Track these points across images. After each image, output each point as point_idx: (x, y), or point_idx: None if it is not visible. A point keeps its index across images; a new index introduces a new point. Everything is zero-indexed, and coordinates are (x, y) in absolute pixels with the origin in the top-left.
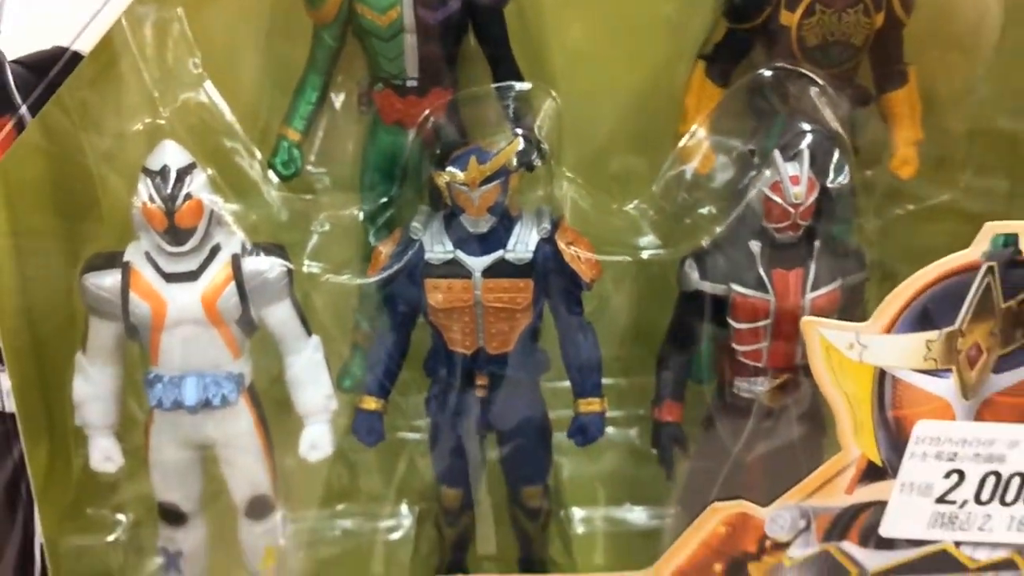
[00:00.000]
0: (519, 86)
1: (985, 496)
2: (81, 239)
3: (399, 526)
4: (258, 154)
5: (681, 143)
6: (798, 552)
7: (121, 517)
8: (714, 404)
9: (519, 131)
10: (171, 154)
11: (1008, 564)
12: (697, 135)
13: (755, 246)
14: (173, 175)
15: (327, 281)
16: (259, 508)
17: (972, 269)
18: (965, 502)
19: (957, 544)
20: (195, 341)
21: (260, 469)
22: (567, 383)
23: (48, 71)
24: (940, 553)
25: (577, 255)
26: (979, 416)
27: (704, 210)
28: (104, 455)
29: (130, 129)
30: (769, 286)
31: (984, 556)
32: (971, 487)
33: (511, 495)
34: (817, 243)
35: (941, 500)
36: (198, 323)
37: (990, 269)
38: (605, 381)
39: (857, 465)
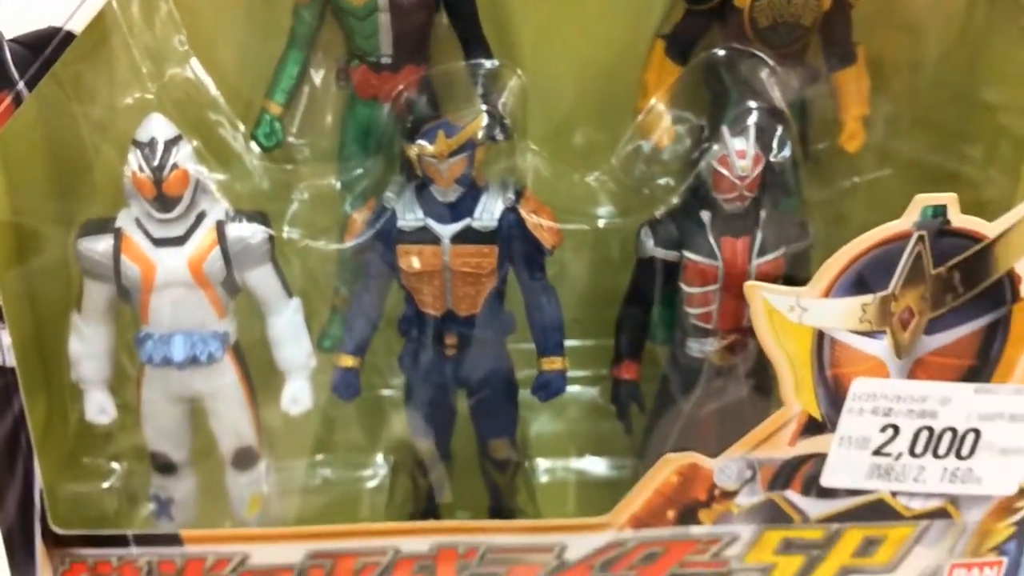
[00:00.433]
0: (488, 64)
1: (919, 449)
2: (75, 205)
3: (375, 475)
4: (241, 127)
5: (640, 118)
6: (745, 500)
7: (115, 466)
8: (668, 363)
9: (484, 107)
10: (159, 127)
11: (942, 513)
12: (656, 110)
13: (705, 215)
14: (161, 146)
15: (306, 246)
16: (244, 459)
17: (904, 238)
18: (900, 455)
19: (893, 494)
20: (182, 302)
21: (245, 421)
22: (532, 344)
23: (43, 49)
24: (878, 502)
25: (539, 223)
26: (912, 375)
27: (662, 181)
28: (99, 408)
29: (121, 103)
30: (718, 253)
31: (919, 505)
32: (905, 441)
33: (480, 448)
34: (763, 213)
35: (877, 453)
36: (185, 285)
37: (920, 238)
38: (567, 342)
39: (798, 420)
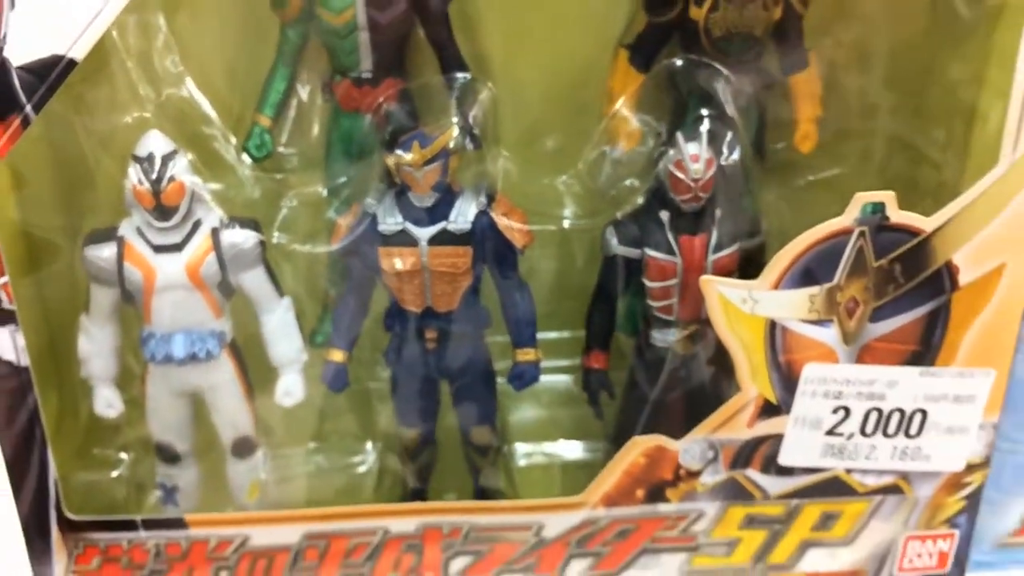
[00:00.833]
0: (461, 76)
1: (869, 429)
2: (79, 216)
3: (365, 461)
4: (232, 139)
5: (604, 124)
6: (709, 479)
7: (123, 456)
8: (635, 353)
9: (455, 119)
10: (156, 142)
11: (894, 488)
12: (621, 115)
13: (664, 215)
14: (158, 161)
15: (295, 250)
16: (243, 448)
17: (846, 233)
18: (852, 435)
19: (848, 471)
20: (182, 303)
21: (242, 413)
22: (507, 337)
23: (48, 75)
24: (833, 479)
25: (511, 225)
26: (859, 359)
27: (627, 183)
28: (107, 403)
29: (121, 121)
30: (676, 250)
31: (872, 481)
32: (856, 421)
33: (463, 435)
34: (718, 212)
35: (830, 433)
36: (184, 288)
37: (862, 233)
38: (540, 335)
39: (755, 403)
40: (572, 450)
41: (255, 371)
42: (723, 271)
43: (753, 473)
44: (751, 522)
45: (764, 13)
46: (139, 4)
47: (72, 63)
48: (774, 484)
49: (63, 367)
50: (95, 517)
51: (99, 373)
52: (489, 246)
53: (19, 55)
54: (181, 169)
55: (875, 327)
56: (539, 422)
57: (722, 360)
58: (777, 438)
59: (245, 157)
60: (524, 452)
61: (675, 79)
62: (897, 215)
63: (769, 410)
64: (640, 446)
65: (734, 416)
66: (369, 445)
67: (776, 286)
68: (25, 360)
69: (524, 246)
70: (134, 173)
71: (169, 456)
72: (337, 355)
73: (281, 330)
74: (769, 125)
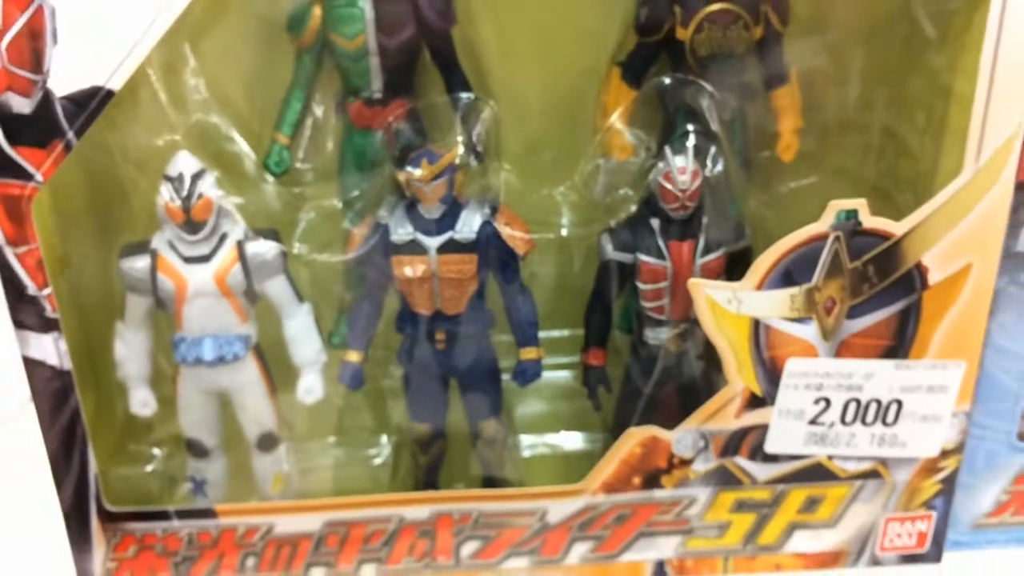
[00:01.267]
0: (465, 96)
1: (849, 418)
2: (113, 231)
3: (380, 454)
4: (254, 156)
5: (598, 138)
6: (700, 466)
7: (156, 452)
8: (630, 350)
9: (460, 137)
10: (185, 163)
11: (874, 473)
12: (614, 129)
13: (655, 222)
14: (188, 180)
15: (313, 259)
16: (267, 442)
17: (823, 238)
18: (832, 424)
19: (830, 457)
20: (210, 310)
21: (266, 410)
22: (511, 337)
23: (88, 104)
24: (816, 465)
25: (513, 234)
26: (838, 354)
27: (620, 192)
28: (141, 402)
29: (153, 143)
30: (667, 254)
31: (853, 467)
32: (836, 411)
33: (471, 428)
34: (704, 219)
35: (812, 422)
36: (212, 295)
37: (837, 238)
38: (541, 334)
39: (742, 395)
40: (573, 441)
41: (277, 371)
42: (710, 274)
43: (742, 460)
44: (740, 506)
45: (746, 33)
46: (169, 37)
47: (110, 93)
48: (761, 470)
49: (98, 370)
50: (132, 508)
51: (134, 375)
52: (493, 253)
53: (62, 86)
54: (208, 186)
55: (852, 324)
56: (542, 415)
57: (711, 356)
58: (763, 428)
59: (265, 173)
60: (528, 443)
61: (664, 96)
62: (869, 220)
63: (755, 402)
64: (636, 436)
65: (723, 408)
66: (384, 439)
67: (759, 287)
68: (67, 364)
69: (525, 253)
70: (166, 191)
71: (199, 451)
72: (353, 356)
73: (302, 333)
74: (752, 136)
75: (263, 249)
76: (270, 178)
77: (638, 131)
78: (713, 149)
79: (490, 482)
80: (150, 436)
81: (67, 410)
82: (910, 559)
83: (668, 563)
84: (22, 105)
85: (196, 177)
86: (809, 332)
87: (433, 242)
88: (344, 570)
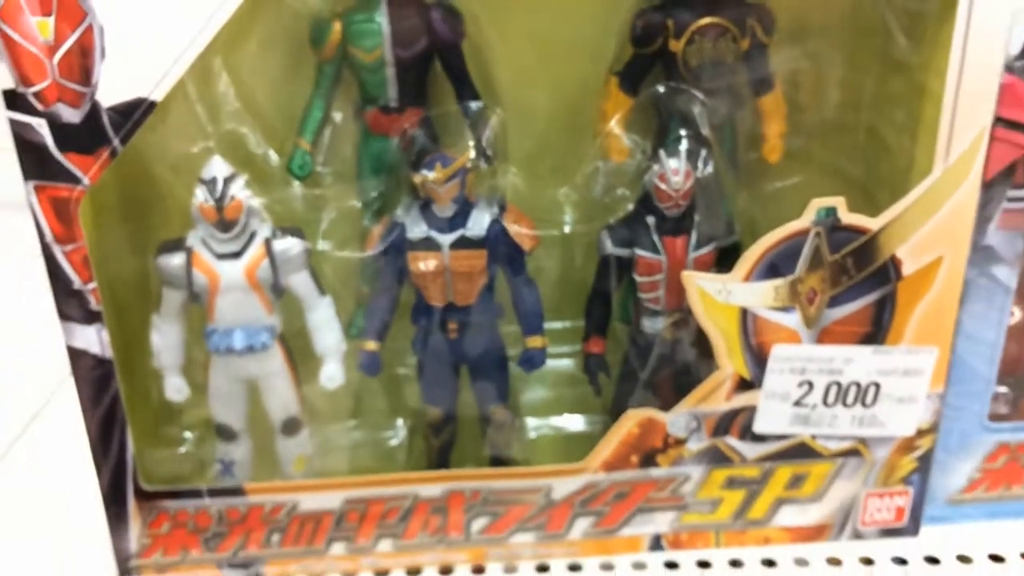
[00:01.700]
0: (475, 104)
1: (830, 400)
2: (146, 231)
3: (396, 436)
4: (279, 160)
5: (598, 142)
6: (694, 446)
7: (188, 435)
8: (628, 338)
9: (471, 142)
10: (218, 167)
11: (854, 452)
12: (612, 133)
13: (651, 220)
14: (221, 183)
15: (334, 255)
16: (291, 426)
17: (805, 233)
18: (815, 405)
19: (813, 437)
20: (240, 303)
21: (291, 396)
22: (518, 327)
23: (132, 114)
24: (801, 444)
25: (519, 231)
26: (820, 340)
27: (619, 192)
28: (175, 389)
29: (188, 150)
30: (661, 249)
31: (834, 446)
32: (819, 394)
33: (480, 412)
34: (696, 216)
35: (797, 404)
36: (242, 289)
37: (818, 233)
38: (546, 325)
39: (732, 379)
40: (575, 423)
41: (300, 358)
42: (702, 267)
43: (732, 440)
44: (731, 483)
45: (733, 45)
46: (205, 52)
47: (152, 104)
48: (750, 449)
49: (133, 359)
50: (166, 487)
51: (169, 364)
52: (501, 249)
53: (108, 98)
54: (239, 188)
55: (832, 312)
56: (546, 400)
57: (703, 343)
58: (751, 409)
59: (289, 176)
60: (533, 425)
61: (658, 103)
62: (847, 217)
63: (744, 385)
64: (634, 418)
65: (714, 391)
66: (400, 422)
67: (747, 279)
68: (109, 353)
69: (531, 248)
70: (200, 193)
71: (227, 435)
72: (371, 345)
73: (324, 324)
74: (741, 139)
75: (288, 246)
76: (294, 180)
77: (635, 136)
78: (704, 152)
79: (498, 462)
80: (182, 420)
81: (108, 396)
82: (889, 533)
83: (664, 537)
84: (72, 115)
85: (228, 180)
86: (793, 320)
87: (446, 239)
88: (363, 545)
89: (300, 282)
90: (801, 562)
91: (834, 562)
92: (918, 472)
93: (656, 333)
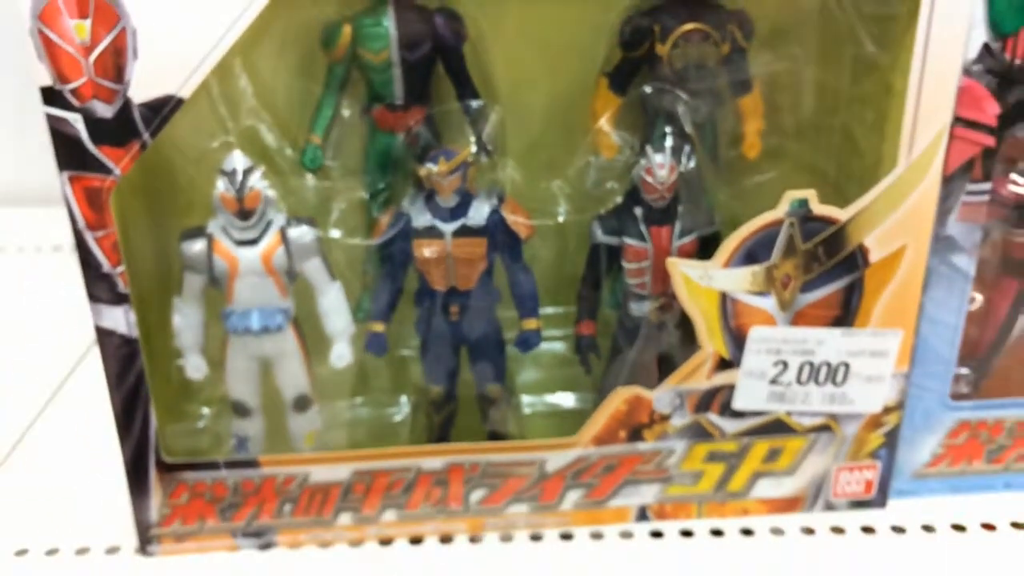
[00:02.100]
0: (475, 103)
1: (804, 379)
2: (166, 220)
3: (400, 412)
4: (293, 154)
5: (589, 138)
6: (677, 421)
7: (206, 411)
8: (617, 321)
9: (472, 138)
10: (238, 160)
11: (826, 428)
12: (603, 130)
13: (638, 210)
14: (240, 174)
15: (344, 243)
16: (302, 403)
17: (779, 223)
18: (790, 383)
19: (788, 413)
20: (257, 286)
21: (302, 374)
22: (515, 311)
23: (161, 110)
24: (777, 420)
25: (517, 220)
26: (794, 323)
27: (609, 185)
28: (195, 367)
29: (209, 145)
30: (648, 238)
31: (808, 422)
32: (793, 373)
33: (478, 391)
34: (680, 208)
35: (773, 382)
36: (259, 274)
37: (791, 223)
38: (540, 309)
39: (713, 359)
40: (567, 401)
41: (311, 339)
42: (685, 254)
43: (713, 416)
44: (712, 457)
45: (715, 49)
46: (227, 55)
47: (180, 101)
48: (729, 424)
49: (152, 339)
50: (185, 460)
51: (189, 344)
52: (500, 237)
53: (140, 95)
54: (257, 180)
55: (805, 297)
56: (540, 379)
57: (686, 325)
58: (731, 387)
59: (302, 169)
60: (528, 403)
61: (645, 102)
62: (818, 208)
63: (724, 365)
64: (622, 396)
65: (696, 370)
66: (403, 399)
67: (726, 265)
68: (135, 333)
69: (527, 237)
70: (221, 184)
71: (242, 411)
72: (378, 326)
73: (334, 307)
74: (722, 136)
75: (302, 234)
76: (306, 173)
77: (623, 133)
78: (687, 148)
79: (495, 436)
80: (200, 397)
81: (133, 373)
82: (859, 504)
83: (650, 508)
84: (105, 111)
85: (247, 172)
86: (769, 304)
87: (449, 228)
88: (369, 515)
89: (312, 268)
90: (777, 531)
91: (807, 531)
92: (885, 447)
93: (643, 316)
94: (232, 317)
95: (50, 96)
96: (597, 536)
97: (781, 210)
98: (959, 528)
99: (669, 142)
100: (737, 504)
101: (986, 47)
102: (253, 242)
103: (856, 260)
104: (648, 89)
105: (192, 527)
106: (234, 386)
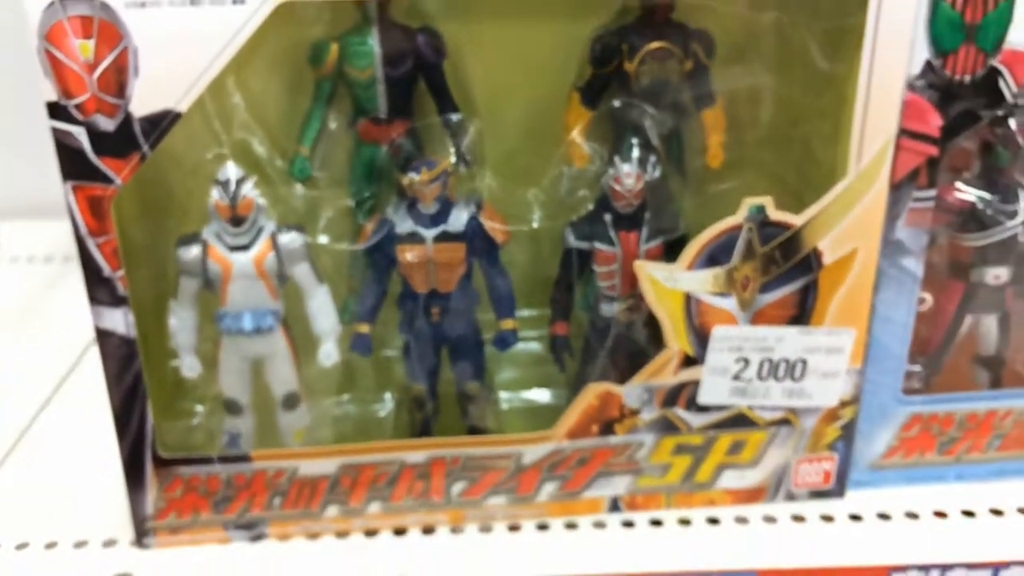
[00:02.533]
0: (455, 116)
1: (764, 375)
2: (162, 227)
3: (384, 409)
4: (282, 165)
5: (562, 149)
6: (646, 416)
7: (200, 408)
8: (588, 321)
9: (452, 149)
10: (231, 170)
11: (786, 421)
12: (574, 142)
13: (608, 217)
14: (233, 184)
15: (331, 248)
16: (291, 401)
17: (738, 228)
18: (751, 379)
19: (750, 408)
20: (249, 289)
21: (291, 373)
22: (492, 313)
23: (160, 123)
24: (739, 414)
25: (494, 227)
26: (754, 322)
27: (580, 193)
28: (189, 367)
29: (204, 156)
30: (617, 242)
31: (768, 415)
32: (754, 369)
33: (458, 388)
34: (647, 214)
35: (735, 378)
36: (251, 278)
37: (750, 228)
38: (517, 311)
39: (678, 356)
40: (542, 396)
41: (300, 339)
42: (652, 258)
43: (679, 411)
44: (680, 450)
45: (679, 66)
46: (222, 72)
47: (178, 115)
48: (695, 418)
49: (148, 340)
50: (181, 455)
51: (184, 344)
52: (478, 243)
53: (140, 109)
54: (249, 189)
55: (764, 297)
56: (517, 376)
57: (653, 325)
58: (696, 383)
59: (291, 178)
60: (505, 399)
61: (614, 116)
62: (775, 214)
63: (689, 362)
64: (594, 391)
65: (663, 367)
66: (388, 396)
67: (690, 267)
68: (133, 333)
69: (504, 242)
70: (215, 192)
71: (234, 409)
72: (363, 327)
73: (321, 309)
74: (686, 148)
75: (291, 239)
76: (295, 183)
77: (594, 144)
78: (653, 158)
79: (475, 431)
80: (194, 395)
81: (131, 373)
82: (819, 495)
83: (621, 499)
84: (107, 124)
85: (240, 182)
86: (730, 304)
87: (430, 233)
88: (355, 507)
89: (301, 272)
90: (741, 520)
91: (770, 520)
92: (842, 440)
93: (613, 316)
94: (225, 319)
95: (55, 110)
96: (572, 526)
97: (740, 216)
98: (912, 516)
99: (636, 153)
100: (704, 495)
101: (928, 64)
102: (245, 247)
103: (811, 262)
104: (617, 103)
105: (186, 520)
106: (227, 385)
